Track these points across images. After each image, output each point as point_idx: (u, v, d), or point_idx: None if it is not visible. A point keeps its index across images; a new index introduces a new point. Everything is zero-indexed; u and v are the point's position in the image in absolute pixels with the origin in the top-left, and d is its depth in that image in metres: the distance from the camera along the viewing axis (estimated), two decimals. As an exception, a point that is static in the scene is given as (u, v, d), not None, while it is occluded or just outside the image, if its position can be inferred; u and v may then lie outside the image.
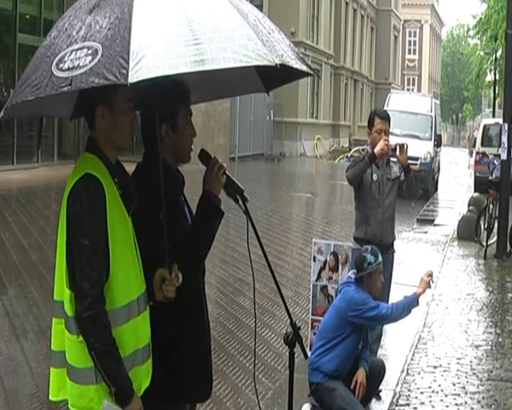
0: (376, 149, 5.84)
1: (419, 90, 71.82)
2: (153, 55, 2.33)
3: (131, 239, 2.72)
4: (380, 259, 5.23)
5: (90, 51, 2.36)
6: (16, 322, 7.26)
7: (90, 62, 2.33)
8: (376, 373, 5.38)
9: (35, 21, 20.11)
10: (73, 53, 2.40)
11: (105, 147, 2.71)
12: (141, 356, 2.71)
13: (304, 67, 2.80)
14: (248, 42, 2.50)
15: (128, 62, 2.28)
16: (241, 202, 2.96)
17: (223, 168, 2.94)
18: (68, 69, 2.36)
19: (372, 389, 5.42)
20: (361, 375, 5.17)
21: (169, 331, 2.90)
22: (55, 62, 2.41)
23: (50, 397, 2.75)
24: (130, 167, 2.98)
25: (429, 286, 5.22)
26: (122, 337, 2.62)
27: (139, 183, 2.86)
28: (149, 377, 2.78)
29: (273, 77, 3.19)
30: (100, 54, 2.34)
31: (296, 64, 2.73)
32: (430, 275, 5.22)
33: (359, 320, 5.13)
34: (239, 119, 28.19)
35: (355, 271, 5.31)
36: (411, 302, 5.15)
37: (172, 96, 2.91)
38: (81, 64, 2.35)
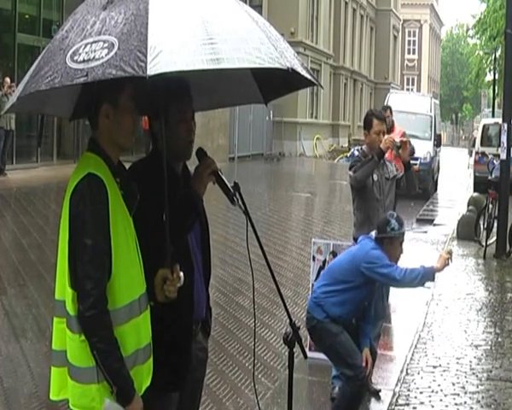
0: (383, 146, 5.84)
1: (418, 89, 71.83)
2: (170, 51, 2.38)
3: (133, 239, 2.73)
4: (404, 229, 5.11)
5: (105, 45, 2.40)
6: (16, 322, 7.26)
7: (106, 55, 2.37)
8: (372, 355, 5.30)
9: (34, 21, 20.13)
10: (88, 46, 2.43)
11: (107, 146, 2.72)
12: (142, 356, 2.72)
13: (309, 76, 2.86)
14: (261, 45, 2.58)
15: (146, 56, 2.32)
16: (240, 202, 2.96)
17: (209, 168, 2.95)
18: (84, 61, 2.39)
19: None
20: (368, 354, 5.07)
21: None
22: (69, 55, 2.44)
23: (51, 397, 2.75)
24: (129, 168, 2.99)
25: (448, 264, 5.06)
26: (123, 337, 2.62)
27: (140, 181, 2.87)
28: (150, 376, 2.79)
29: (272, 88, 3.26)
30: (116, 47, 2.38)
31: (302, 72, 2.79)
32: (450, 253, 5.13)
33: (371, 274, 5.00)
34: (238, 119, 28.18)
35: (376, 231, 5.16)
36: (426, 274, 4.98)
37: (164, 94, 2.93)
38: (97, 56, 2.38)
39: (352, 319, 5.13)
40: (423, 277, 5.00)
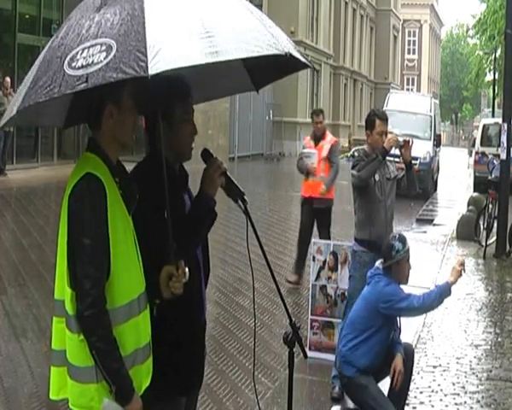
0: (386, 145, 5.85)
1: (418, 89, 71.86)
2: (169, 48, 2.37)
3: (132, 238, 2.72)
4: (407, 246, 5.11)
5: (103, 48, 2.36)
6: (16, 322, 7.26)
7: (104, 58, 2.33)
8: (409, 356, 5.29)
9: (34, 21, 20.14)
10: (85, 51, 2.39)
11: (109, 146, 2.71)
12: (141, 355, 2.72)
13: (303, 59, 2.89)
14: (258, 33, 2.60)
15: (146, 55, 2.30)
16: (240, 202, 2.96)
17: (219, 170, 2.93)
18: (82, 67, 2.35)
19: (408, 374, 5.29)
20: (399, 363, 5.06)
21: (161, 328, 2.90)
22: (66, 62, 2.40)
23: (51, 396, 2.75)
24: (130, 167, 2.99)
25: (461, 275, 5.11)
26: (122, 336, 2.62)
27: (140, 181, 2.87)
28: (150, 376, 2.79)
29: (262, 74, 3.22)
30: (115, 49, 2.34)
31: (298, 56, 2.80)
32: (462, 264, 5.15)
33: (391, 312, 5.03)
34: (238, 119, 28.19)
35: (382, 260, 5.17)
36: (443, 292, 5.04)
37: (168, 94, 2.92)
38: (95, 61, 2.34)
39: (381, 361, 5.09)
40: (441, 295, 5.06)
